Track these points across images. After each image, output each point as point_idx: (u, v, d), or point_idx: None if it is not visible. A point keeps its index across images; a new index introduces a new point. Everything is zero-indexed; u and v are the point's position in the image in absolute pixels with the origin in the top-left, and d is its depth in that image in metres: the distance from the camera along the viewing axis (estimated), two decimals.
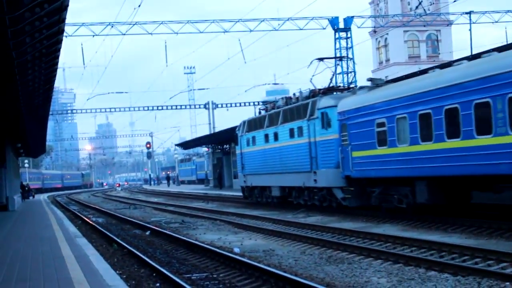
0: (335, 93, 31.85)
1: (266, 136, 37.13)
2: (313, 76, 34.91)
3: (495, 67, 19.47)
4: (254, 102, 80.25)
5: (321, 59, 34.67)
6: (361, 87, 29.75)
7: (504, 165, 19.13)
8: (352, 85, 30.22)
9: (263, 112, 39.35)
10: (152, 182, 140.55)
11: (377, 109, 25.85)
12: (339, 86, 33.02)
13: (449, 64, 23.62)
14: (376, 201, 27.05)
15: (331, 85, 33.74)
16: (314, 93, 32.39)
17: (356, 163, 27.51)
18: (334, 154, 29.53)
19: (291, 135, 33.60)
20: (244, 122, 41.86)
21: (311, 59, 36.61)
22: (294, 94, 35.43)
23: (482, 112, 19.77)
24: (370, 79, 29.12)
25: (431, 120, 22.30)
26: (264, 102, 40.40)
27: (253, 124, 39.73)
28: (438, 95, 21.89)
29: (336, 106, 29.32)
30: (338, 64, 33.06)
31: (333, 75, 33.63)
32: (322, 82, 34.48)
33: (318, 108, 30.50)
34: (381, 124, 25.53)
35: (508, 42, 24.06)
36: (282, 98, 37.61)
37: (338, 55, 58.50)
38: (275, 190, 36.83)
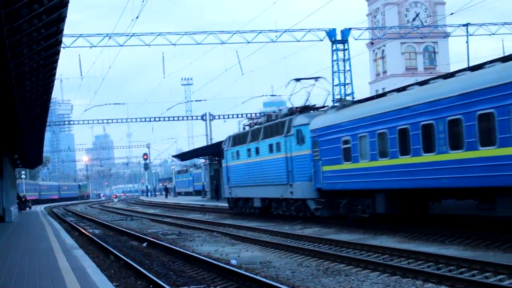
0: (313, 111, 33.80)
1: (249, 150, 39.45)
2: (291, 95, 37.22)
3: (437, 93, 22.01)
4: (251, 114, 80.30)
5: (298, 80, 36.39)
6: (332, 107, 32.58)
7: (444, 179, 21.72)
8: (339, 100, 32.59)
9: (247, 128, 41.39)
10: (149, 194, 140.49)
11: (343, 127, 28.44)
12: (314, 105, 35.06)
13: (425, 82, 25.62)
14: (343, 211, 29.46)
15: (306, 104, 35.42)
16: (292, 111, 34.77)
17: (326, 176, 30.04)
18: (307, 168, 31.83)
19: (271, 150, 35.86)
20: (229, 137, 44.16)
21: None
22: (274, 112, 38.58)
23: (427, 133, 22.34)
24: (338, 100, 32.28)
25: (387, 138, 24.86)
26: (249, 118, 42.36)
27: (237, 139, 42.03)
28: (392, 116, 24.48)
29: (309, 124, 31.75)
30: (313, 84, 35.01)
31: (308, 94, 35.77)
32: (313, 98, 36.04)
33: (294, 126, 32.88)
34: (346, 142, 28.13)
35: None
36: (264, 115, 40.48)
37: (335, 66, 58.67)
38: (257, 201, 39.10)
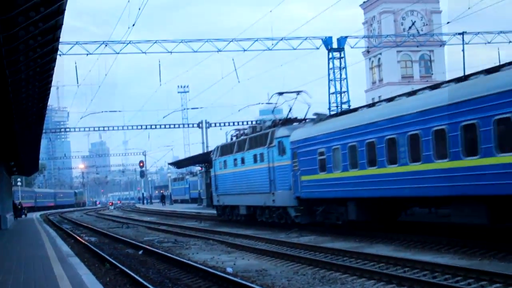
0: (296, 123, 35.67)
1: (235, 160, 41.36)
2: (274, 108, 40.07)
3: (399, 110, 24.08)
4: (247, 122, 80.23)
5: (280, 93, 38.40)
6: (310, 120, 34.42)
7: (406, 189, 23.72)
8: (317, 114, 34.48)
9: (234, 139, 43.34)
10: (145, 201, 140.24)
11: (319, 140, 30.40)
12: (296, 118, 37.42)
13: (391, 99, 27.62)
14: (320, 218, 31.38)
15: (288, 116, 37.80)
16: (275, 124, 36.83)
17: (304, 185, 31.90)
18: (288, 177, 33.64)
19: (255, 160, 37.71)
20: (217, 147, 46.39)
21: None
22: (258, 123, 40.95)
23: (391, 146, 24.31)
24: (315, 114, 33.75)
25: (357, 151, 26.82)
26: (236, 130, 44.37)
27: (225, 150, 44.01)
28: (361, 130, 26.53)
29: (289, 136, 33.53)
30: (295, 98, 37.02)
31: (290, 108, 38.38)
32: (300, 110, 37.94)
33: (276, 138, 34.68)
34: (322, 153, 30.10)
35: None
36: (249, 127, 42.55)
37: (331, 75, 58.74)
38: (243, 209, 40.74)
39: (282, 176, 34.18)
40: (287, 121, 36.55)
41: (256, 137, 37.92)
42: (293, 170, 32.84)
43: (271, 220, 36.39)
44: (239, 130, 44.90)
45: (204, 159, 74.04)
